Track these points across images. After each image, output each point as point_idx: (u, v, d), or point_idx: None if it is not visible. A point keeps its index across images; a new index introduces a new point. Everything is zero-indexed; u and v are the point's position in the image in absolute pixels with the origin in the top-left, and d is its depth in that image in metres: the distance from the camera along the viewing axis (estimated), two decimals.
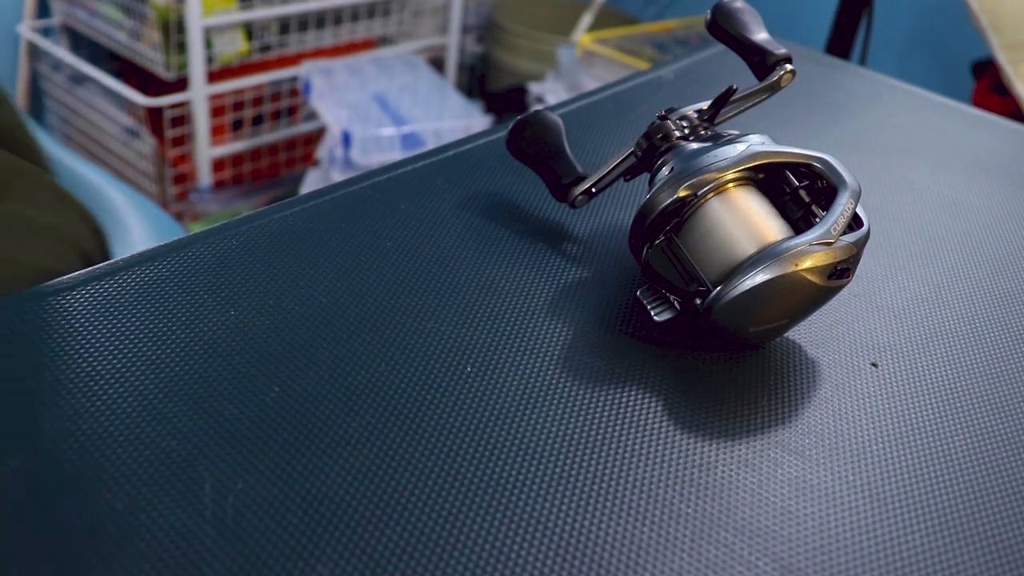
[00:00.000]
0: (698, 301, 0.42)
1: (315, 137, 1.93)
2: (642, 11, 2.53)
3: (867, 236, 0.43)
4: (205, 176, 1.76)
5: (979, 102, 1.56)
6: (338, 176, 1.70)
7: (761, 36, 0.51)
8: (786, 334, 0.46)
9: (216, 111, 1.75)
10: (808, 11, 2.08)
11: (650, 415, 0.40)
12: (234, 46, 1.74)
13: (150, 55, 1.64)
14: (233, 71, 1.77)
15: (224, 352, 0.40)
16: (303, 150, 1.95)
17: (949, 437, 0.41)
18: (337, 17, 1.89)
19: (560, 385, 0.41)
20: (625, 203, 0.56)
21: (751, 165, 0.44)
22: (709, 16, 0.53)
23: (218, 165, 1.80)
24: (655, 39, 2.21)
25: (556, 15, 2.46)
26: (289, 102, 1.89)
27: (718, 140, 0.46)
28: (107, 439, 0.35)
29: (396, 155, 1.71)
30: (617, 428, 0.39)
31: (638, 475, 0.37)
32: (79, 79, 1.82)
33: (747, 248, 0.42)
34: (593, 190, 0.50)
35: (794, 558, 0.34)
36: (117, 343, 0.39)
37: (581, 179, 0.50)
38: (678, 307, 0.43)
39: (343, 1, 1.85)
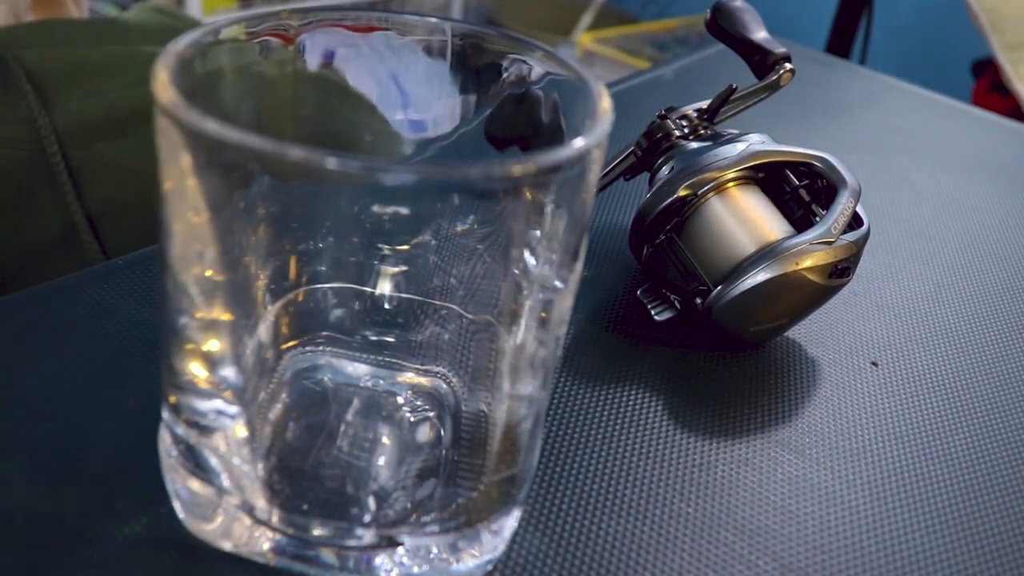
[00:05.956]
0: (699, 300, 0.42)
1: None
2: (642, 10, 2.53)
3: (867, 235, 0.43)
4: None
5: (979, 101, 1.56)
6: None
7: (761, 35, 0.51)
8: (786, 333, 0.46)
9: None
10: (808, 11, 2.08)
11: (650, 415, 0.40)
12: None
13: None
14: None
15: None
16: None
17: (949, 437, 0.41)
18: None
19: (560, 385, 0.41)
20: (625, 203, 0.56)
21: (751, 164, 0.44)
22: (708, 15, 0.53)
23: None
24: (655, 38, 2.21)
25: (556, 15, 2.46)
26: None
27: (718, 139, 0.46)
28: (108, 439, 0.35)
29: None
30: (617, 428, 0.39)
31: (638, 475, 0.37)
32: None
33: (748, 247, 0.42)
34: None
35: (794, 557, 0.34)
36: (118, 343, 0.39)
37: None
38: (679, 306, 0.43)
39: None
